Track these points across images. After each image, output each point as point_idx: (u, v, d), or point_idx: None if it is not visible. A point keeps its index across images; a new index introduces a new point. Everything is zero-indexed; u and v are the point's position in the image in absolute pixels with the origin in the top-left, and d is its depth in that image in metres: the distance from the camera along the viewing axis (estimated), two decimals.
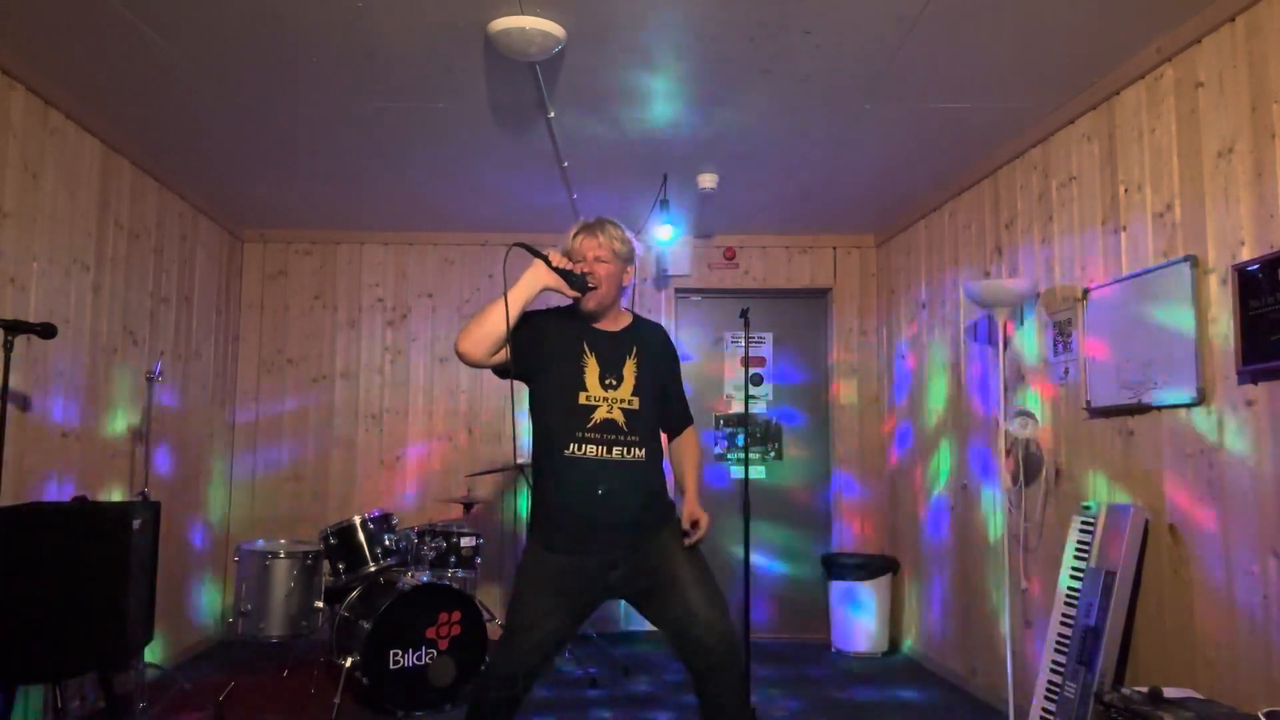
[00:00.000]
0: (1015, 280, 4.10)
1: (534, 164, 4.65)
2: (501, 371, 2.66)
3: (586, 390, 2.64)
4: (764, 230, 6.04)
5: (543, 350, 2.68)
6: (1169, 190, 3.19)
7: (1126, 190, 3.44)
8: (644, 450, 2.67)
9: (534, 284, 2.60)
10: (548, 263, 2.60)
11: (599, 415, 2.63)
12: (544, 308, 2.73)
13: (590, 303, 2.68)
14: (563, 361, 2.67)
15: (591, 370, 2.67)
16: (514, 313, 2.57)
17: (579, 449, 2.61)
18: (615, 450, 2.63)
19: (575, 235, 2.73)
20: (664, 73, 3.57)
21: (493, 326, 2.56)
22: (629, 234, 2.78)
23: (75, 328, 3.93)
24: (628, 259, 2.75)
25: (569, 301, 2.73)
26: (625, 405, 2.66)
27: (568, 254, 2.71)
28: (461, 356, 2.59)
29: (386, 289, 6.06)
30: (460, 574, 4.57)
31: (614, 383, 2.67)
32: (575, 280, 2.62)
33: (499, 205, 5.41)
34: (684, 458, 2.90)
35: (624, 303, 2.85)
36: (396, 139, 4.32)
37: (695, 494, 2.81)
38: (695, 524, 2.71)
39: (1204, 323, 2.99)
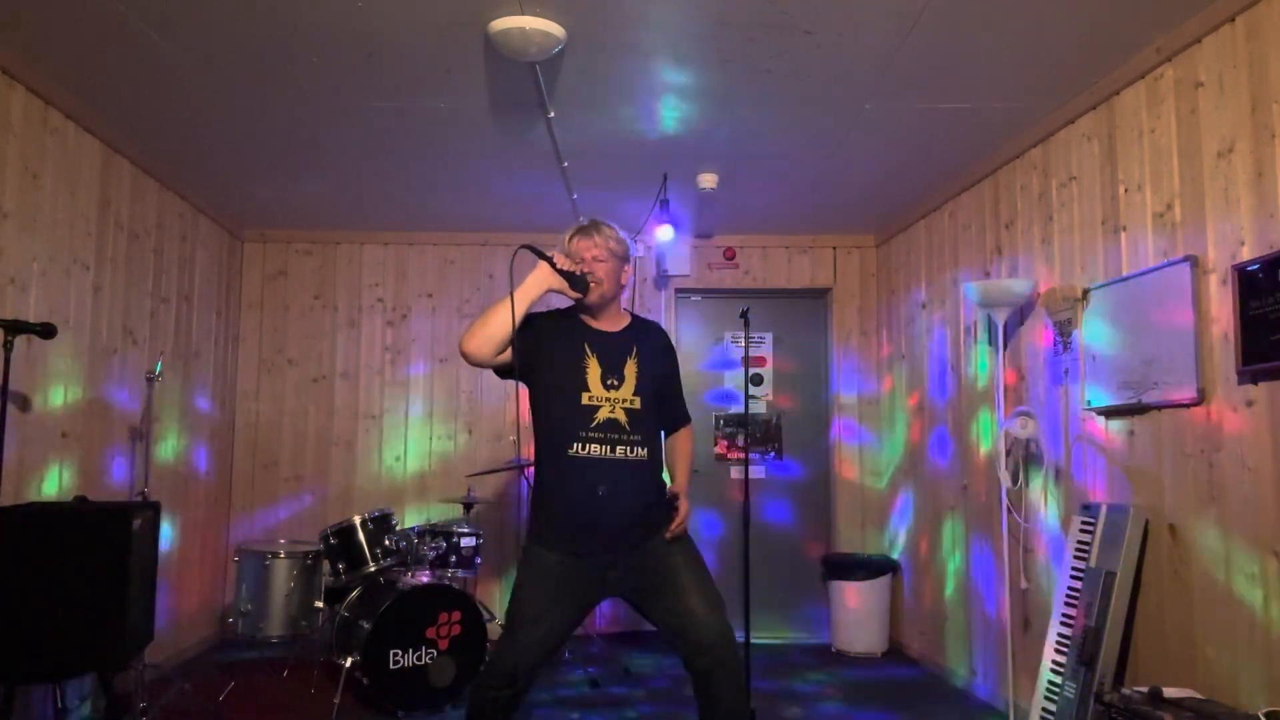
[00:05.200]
0: (1015, 280, 4.10)
1: (534, 164, 4.65)
2: (504, 372, 2.69)
3: (589, 390, 2.67)
4: (764, 230, 6.04)
5: (544, 351, 2.71)
6: (1169, 190, 3.19)
7: (1126, 190, 3.44)
8: (645, 450, 2.69)
9: (540, 285, 2.65)
10: (552, 264, 2.65)
11: (602, 415, 2.65)
12: (544, 309, 2.77)
13: (593, 298, 2.72)
14: (564, 362, 2.69)
15: (593, 371, 2.69)
16: (519, 313, 2.60)
17: (583, 448, 2.63)
18: (619, 449, 2.65)
19: (571, 238, 2.78)
20: (664, 73, 3.57)
21: (498, 327, 2.60)
22: (622, 233, 2.83)
23: (75, 328, 3.93)
24: (624, 257, 2.80)
25: (569, 303, 2.77)
26: (627, 405, 2.68)
27: (568, 256, 2.74)
28: (466, 356, 2.63)
29: (386, 289, 6.06)
30: (460, 574, 4.56)
31: (615, 383, 2.69)
32: (578, 281, 2.68)
33: (499, 205, 5.41)
34: (677, 452, 2.94)
35: (623, 302, 2.89)
36: (396, 139, 4.32)
37: (685, 482, 2.86)
38: (677, 511, 2.73)
39: (1204, 323, 2.99)
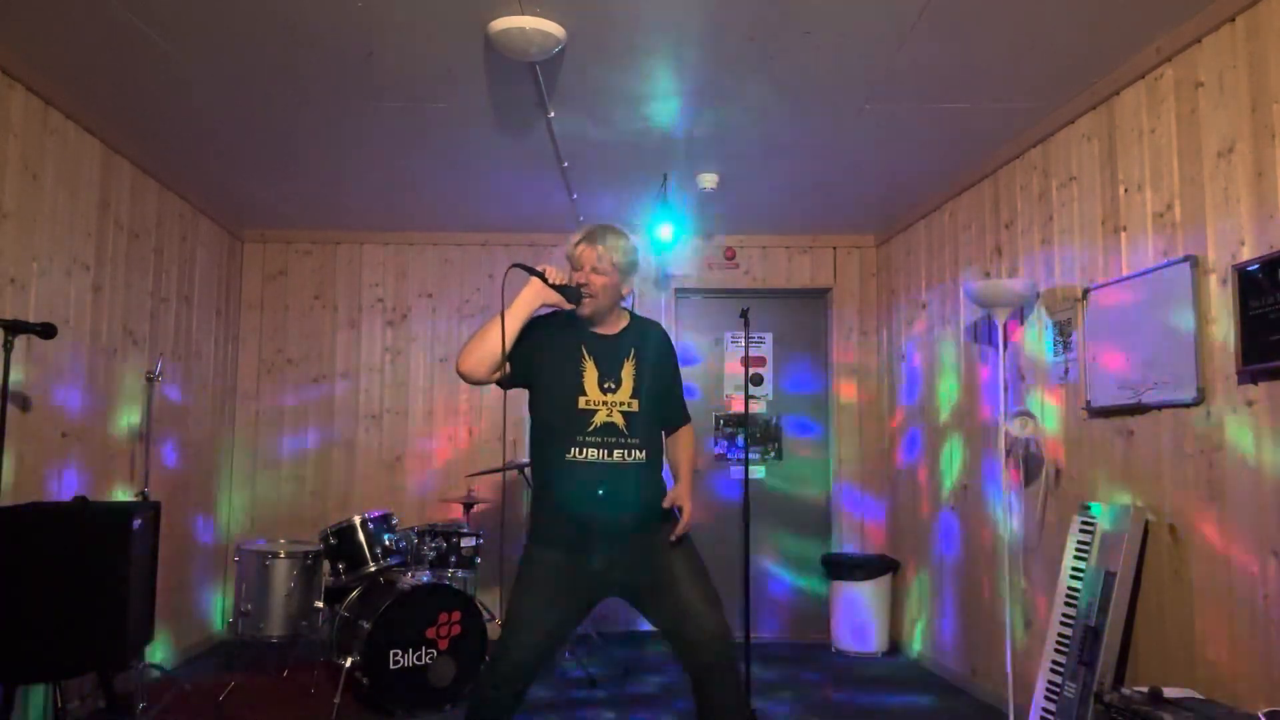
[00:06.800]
0: (1015, 280, 4.10)
1: (534, 164, 4.65)
2: (504, 384, 2.69)
3: (586, 394, 2.66)
4: (764, 230, 6.04)
5: (541, 357, 2.70)
6: (1169, 190, 3.19)
7: (1126, 190, 3.44)
8: (644, 452, 2.69)
9: (531, 303, 2.65)
10: (544, 279, 2.63)
11: (599, 419, 2.65)
12: (544, 311, 2.75)
13: (585, 312, 2.70)
14: (561, 367, 2.69)
15: (590, 374, 2.68)
16: (512, 331, 2.60)
17: (580, 453, 2.62)
18: (616, 453, 2.64)
19: (577, 243, 2.74)
20: (664, 72, 3.57)
21: (491, 347, 2.60)
22: (634, 243, 2.77)
23: (75, 328, 3.93)
24: (628, 270, 2.75)
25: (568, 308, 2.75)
26: (625, 408, 2.67)
27: (569, 259, 2.73)
28: (464, 376, 2.65)
29: (386, 289, 6.06)
30: (460, 574, 4.57)
31: (613, 386, 2.68)
32: (571, 294, 2.66)
33: (499, 205, 5.41)
34: (678, 451, 2.90)
35: (625, 305, 2.86)
36: (397, 139, 4.32)
37: (687, 484, 2.80)
38: (680, 512, 2.71)
39: (1204, 323, 2.99)
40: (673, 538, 2.68)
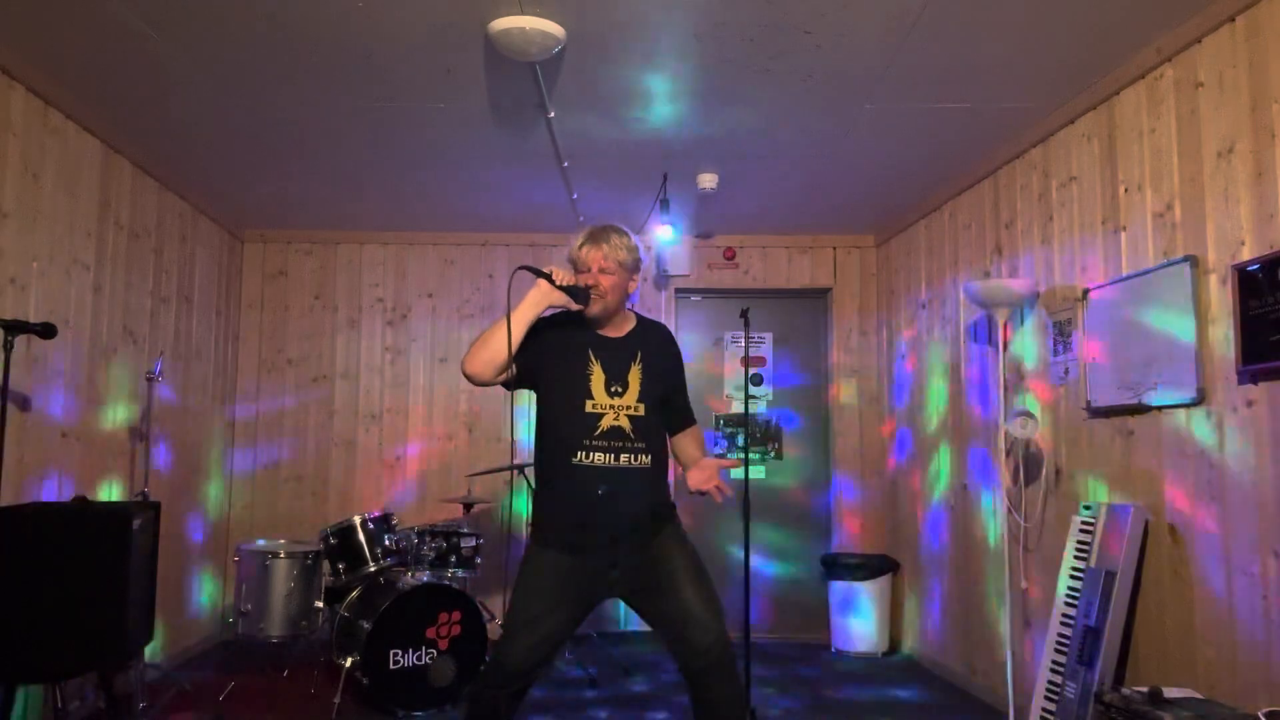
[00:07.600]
0: (1015, 280, 4.10)
1: (534, 164, 4.65)
2: (509, 386, 2.69)
3: (593, 398, 2.65)
4: (764, 230, 6.04)
5: (548, 359, 2.69)
6: (1169, 190, 3.19)
7: (1126, 190, 3.44)
8: (650, 457, 2.68)
9: (538, 305, 2.64)
10: (551, 281, 2.62)
11: (606, 423, 2.64)
12: (550, 312, 2.74)
13: (594, 311, 2.69)
14: (569, 370, 2.68)
15: (597, 378, 2.67)
16: (518, 333, 2.59)
17: (586, 457, 2.61)
18: (623, 458, 2.63)
19: (580, 245, 2.72)
20: (664, 73, 3.57)
21: (497, 348, 2.60)
22: (634, 240, 2.76)
23: (75, 328, 3.93)
24: (633, 268, 2.74)
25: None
26: (631, 412, 2.67)
27: (573, 262, 2.72)
28: (470, 378, 2.64)
29: (386, 289, 6.06)
30: (460, 574, 4.56)
31: (620, 390, 2.67)
32: (579, 294, 2.65)
33: (499, 205, 5.41)
34: (689, 446, 2.88)
35: (629, 306, 2.85)
36: (396, 139, 4.32)
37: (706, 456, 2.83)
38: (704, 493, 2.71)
39: (1204, 323, 2.99)
40: (727, 463, 2.85)
